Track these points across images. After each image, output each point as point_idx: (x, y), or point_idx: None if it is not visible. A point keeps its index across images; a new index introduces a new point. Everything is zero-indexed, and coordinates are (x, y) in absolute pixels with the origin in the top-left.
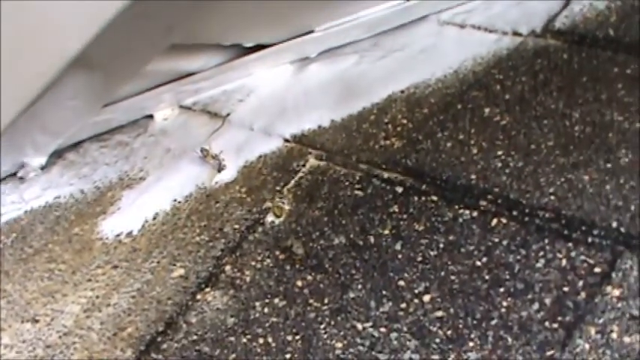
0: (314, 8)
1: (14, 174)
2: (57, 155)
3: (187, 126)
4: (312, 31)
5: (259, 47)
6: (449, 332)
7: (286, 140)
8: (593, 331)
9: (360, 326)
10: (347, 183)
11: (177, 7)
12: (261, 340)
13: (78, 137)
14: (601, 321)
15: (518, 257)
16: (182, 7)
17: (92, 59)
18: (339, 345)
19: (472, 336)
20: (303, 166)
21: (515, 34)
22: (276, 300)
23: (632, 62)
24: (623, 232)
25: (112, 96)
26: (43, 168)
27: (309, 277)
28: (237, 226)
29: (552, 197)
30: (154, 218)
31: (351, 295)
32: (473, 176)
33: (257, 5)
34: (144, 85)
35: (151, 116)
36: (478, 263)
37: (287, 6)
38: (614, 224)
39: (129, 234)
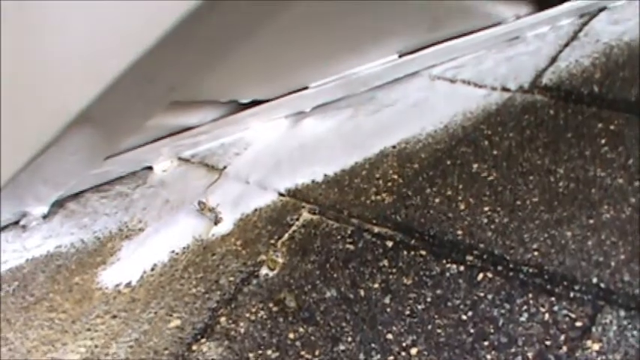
0: (308, 65)
1: (16, 222)
2: (58, 205)
3: (185, 178)
4: (306, 87)
5: (256, 102)
6: None
7: (281, 194)
8: None
9: None
10: (339, 237)
11: (179, 70)
12: None
13: (79, 187)
14: None
15: (503, 311)
16: (184, 69)
17: (94, 117)
18: None
19: None
20: (297, 220)
21: (504, 89)
22: (269, 352)
23: (616, 118)
24: (604, 288)
25: (113, 151)
26: (44, 217)
27: (301, 330)
28: (232, 279)
29: (535, 253)
30: (152, 269)
31: (342, 347)
32: (459, 232)
33: (252, 63)
34: (144, 139)
35: (150, 168)
36: (464, 317)
37: (281, 64)
38: (595, 280)
39: (128, 284)
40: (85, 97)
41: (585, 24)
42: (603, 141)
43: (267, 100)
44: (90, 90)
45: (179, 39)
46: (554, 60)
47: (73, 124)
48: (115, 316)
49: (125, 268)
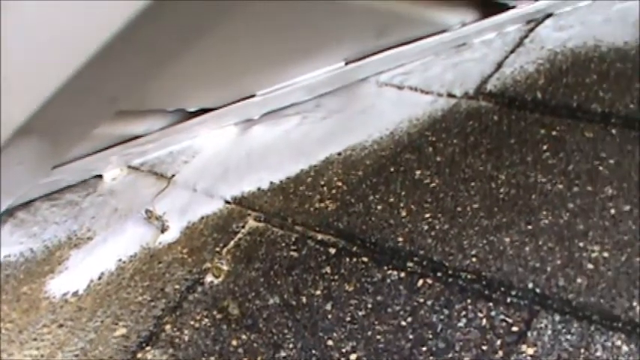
0: (255, 73)
1: None
2: (8, 214)
3: (134, 186)
4: (254, 95)
5: (204, 110)
6: None
7: (227, 202)
8: None
9: None
10: (283, 244)
11: (121, 80)
12: None
13: (30, 196)
14: None
15: (442, 317)
16: (125, 80)
17: (38, 128)
18: None
19: None
20: (243, 227)
21: (450, 95)
22: (212, 359)
23: (558, 124)
24: (539, 293)
25: (60, 160)
26: None
27: (244, 337)
28: (177, 286)
29: (474, 259)
30: (100, 278)
31: (283, 354)
32: (400, 239)
33: (198, 72)
34: (93, 147)
35: (101, 176)
36: (403, 323)
37: (228, 72)
38: (531, 285)
39: (75, 293)
40: (27, 109)
41: (531, 30)
42: (545, 147)
43: (215, 108)
44: (32, 102)
45: (119, 50)
46: (499, 66)
47: (16, 135)
48: (61, 326)
49: (73, 277)
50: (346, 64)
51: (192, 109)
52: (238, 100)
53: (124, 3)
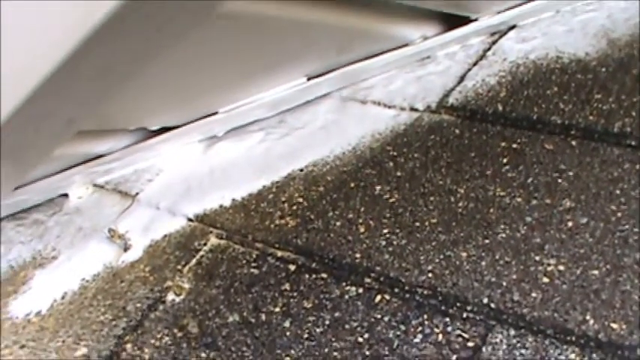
0: (216, 91)
1: None
2: None
3: (99, 205)
4: (216, 113)
5: (167, 128)
6: None
7: (189, 219)
8: None
9: None
10: (244, 261)
11: (77, 102)
12: None
13: None
14: None
15: (398, 333)
16: (81, 102)
17: None
18: None
19: None
20: (204, 245)
21: (413, 109)
22: None
23: (519, 137)
24: (494, 308)
25: (22, 181)
26: None
27: (203, 355)
28: (139, 305)
29: (430, 274)
30: (63, 297)
31: None
32: (358, 255)
33: (159, 91)
34: (57, 167)
35: (66, 195)
36: (360, 339)
37: (189, 90)
38: (486, 300)
39: (38, 313)
40: None
41: (494, 42)
42: (505, 160)
43: (177, 126)
44: None
45: (71, 71)
46: (462, 79)
47: None
48: (23, 346)
49: (36, 297)
50: (308, 79)
51: (154, 128)
52: (201, 118)
53: (77, 23)
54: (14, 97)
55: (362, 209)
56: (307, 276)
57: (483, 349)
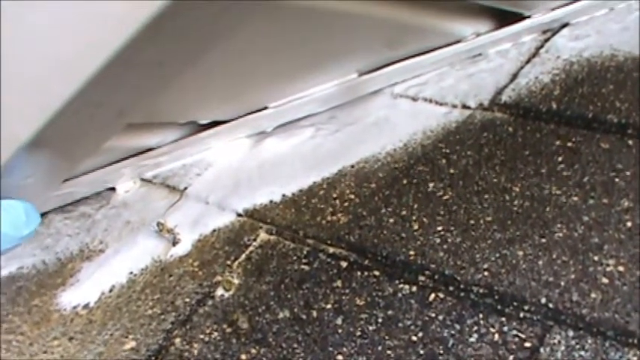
0: (267, 85)
1: None
2: None
3: (147, 199)
4: (266, 108)
5: (217, 123)
6: None
7: (239, 214)
8: None
9: None
10: (294, 257)
11: (127, 94)
12: None
13: (44, 208)
14: None
15: (453, 332)
16: (132, 93)
17: (47, 142)
18: None
19: None
20: (254, 240)
21: (465, 107)
22: None
23: (573, 135)
24: (552, 308)
25: (71, 173)
26: None
27: (253, 351)
28: (188, 300)
29: (486, 273)
30: (111, 290)
31: None
32: (412, 252)
33: (209, 85)
34: (105, 160)
35: (114, 189)
36: (414, 338)
37: (239, 85)
38: (544, 300)
39: (86, 306)
40: (33, 125)
41: (547, 40)
42: (560, 158)
43: (227, 121)
44: (38, 117)
45: (124, 63)
46: (514, 77)
47: (23, 150)
48: (71, 338)
49: (84, 290)
50: (359, 75)
51: (204, 122)
52: (251, 113)
53: (130, 17)
54: (67, 87)
55: (415, 206)
56: (359, 273)
57: (541, 349)
